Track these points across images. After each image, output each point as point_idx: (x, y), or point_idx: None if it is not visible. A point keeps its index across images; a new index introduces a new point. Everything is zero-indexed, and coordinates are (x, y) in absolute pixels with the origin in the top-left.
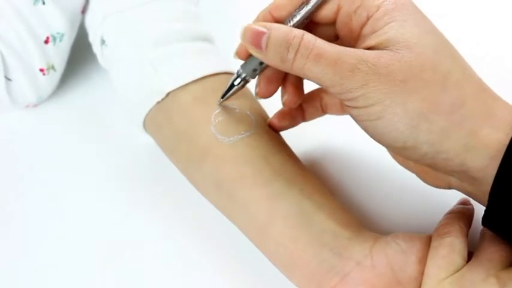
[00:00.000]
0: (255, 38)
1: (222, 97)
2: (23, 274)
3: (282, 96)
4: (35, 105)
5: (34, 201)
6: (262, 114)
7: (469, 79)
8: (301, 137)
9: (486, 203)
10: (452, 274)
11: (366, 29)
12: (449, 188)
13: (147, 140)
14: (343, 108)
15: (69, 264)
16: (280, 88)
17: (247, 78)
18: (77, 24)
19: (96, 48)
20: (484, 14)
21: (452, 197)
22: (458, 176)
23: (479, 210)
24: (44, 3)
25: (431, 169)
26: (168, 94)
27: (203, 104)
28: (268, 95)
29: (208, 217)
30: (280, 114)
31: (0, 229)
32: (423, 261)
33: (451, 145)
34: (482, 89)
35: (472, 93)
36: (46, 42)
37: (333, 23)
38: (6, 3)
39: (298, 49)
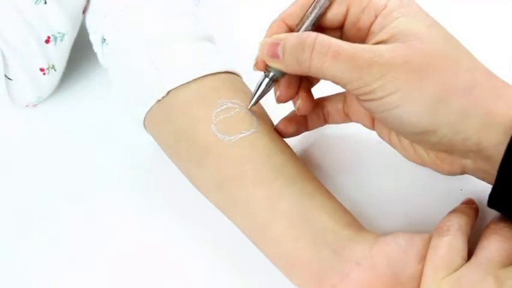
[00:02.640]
0: (271, 49)
1: (251, 100)
2: (23, 274)
3: (295, 103)
4: (35, 105)
5: (34, 201)
6: (263, 114)
7: (477, 65)
8: (302, 137)
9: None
10: (451, 273)
11: (375, 26)
12: (463, 172)
13: (148, 138)
14: (344, 116)
15: (70, 263)
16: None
17: (275, 77)
18: (78, 24)
19: (96, 47)
20: (479, 17)
21: (454, 197)
22: (473, 156)
23: (482, 210)
24: (45, 2)
25: (447, 153)
26: (168, 92)
27: (204, 103)
28: (288, 98)
29: (208, 217)
30: (287, 120)
31: (0, 229)
32: (423, 261)
33: (469, 124)
34: (490, 74)
35: (482, 77)
36: (47, 41)
37: (340, 26)
38: (8, 2)
39: (313, 48)
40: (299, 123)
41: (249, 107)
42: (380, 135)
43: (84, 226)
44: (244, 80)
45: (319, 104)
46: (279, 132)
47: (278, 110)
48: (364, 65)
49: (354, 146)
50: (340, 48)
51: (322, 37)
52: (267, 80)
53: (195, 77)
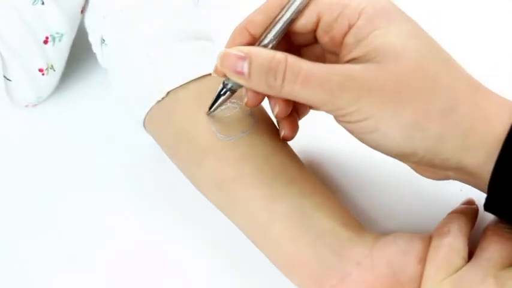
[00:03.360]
0: (234, 64)
1: (210, 108)
2: (23, 274)
3: (273, 109)
4: (35, 105)
5: (34, 201)
6: (263, 113)
7: (458, 80)
8: (301, 137)
9: (484, 191)
10: (452, 274)
11: (349, 38)
12: (447, 179)
13: (147, 139)
14: None
15: (70, 263)
16: (269, 103)
17: (233, 88)
18: (77, 24)
19: (95, 47)
20: (470, 15)
21: (454, 197)
22: (455, 171)
23: (482, 210)
24: (43, 3)
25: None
26: (168, 93)
27: (204, 103)
28: (257, 103)
29: (208, 217)
30: (290, 124)
31: (0, 230)
32: (423, 261)
33: (447, 148)
34: (472, 88)
35: (462, 95)
36: (45, 42)
37: (312, 31)
38: (6, 3)
39: (284, 74)
40: (294, 119)
41: (207, 113)
42: None
43: (84, 226)
44: None
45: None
46: (288, 139)
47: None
48: (335, 90)
49: (354, 146)
50: (310, 73)
51: (291, 61)
52: (224, 90)
53: (194, 77)
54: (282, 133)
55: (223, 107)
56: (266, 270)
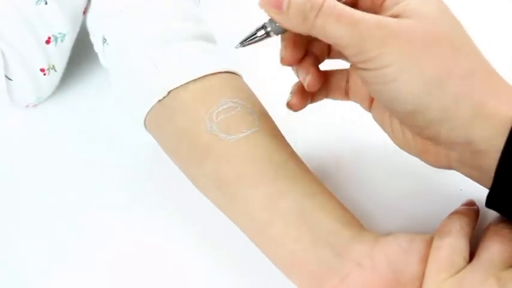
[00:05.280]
0: (276, 0)
1: (242, 42)
2: (23, 274)
3: (305, 79)
4: (35, 105)
5: (34, 201)
6: (264, 112)
7: (479, 54)
8: (302, 137)
9: (486, 183)
10: (453, 275)
11: (389, 2)
12: (450, 168)
13: (148, 139)
14: (345, 93)
15: (69, 263)
16: (299, 72)
17: (270, 33)
18: (79, 25)
19: (97, 47)
20: (469, 15)
21: (455, 198)
22: (460, 149)
23: (482, 211)
24: (46, 3)
25: (433, 143)
26: (169, 92)
27: (204, 103)
28: (294, 61)
29: (208, 217)
30: (300, 93)
31: (0, 230)
32: (424, 261)
33: (459, 113)
34: (490, 68)
35: (481, 66)
36: (47, 42)
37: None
38: (8, 2)
39: (321, 8)
40: (307, 96)
41: (235, 46)
42: (374, 117)
43: (84, 226)
44: (244, 80)
45: (324, 78)
46: (293, 107)
47: (278, 110)
48: (365, 31)
49: (355, 146)
50: (344, 12)
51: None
52: (263, 31)
53: (195, 77)
54: (291, 101)
55: (224, 106)
56: (266, 270)
